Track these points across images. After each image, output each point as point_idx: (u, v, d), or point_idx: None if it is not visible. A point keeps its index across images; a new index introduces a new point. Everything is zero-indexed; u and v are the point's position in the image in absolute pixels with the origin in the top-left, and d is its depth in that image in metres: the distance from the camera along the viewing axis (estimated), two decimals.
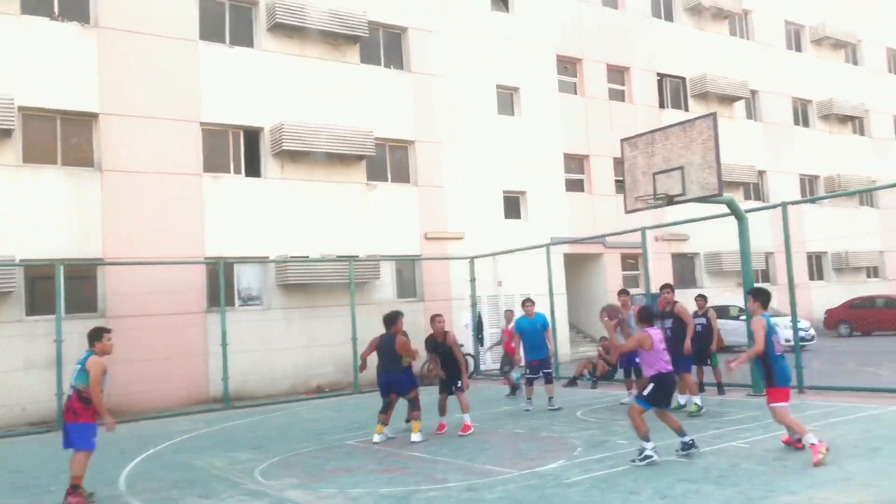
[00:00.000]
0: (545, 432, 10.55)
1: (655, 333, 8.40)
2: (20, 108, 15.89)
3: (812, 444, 7.56)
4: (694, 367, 13.03)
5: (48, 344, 14.51)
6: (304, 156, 19.05)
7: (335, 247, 19.41)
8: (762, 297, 8.56)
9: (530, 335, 13.10)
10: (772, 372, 8.17)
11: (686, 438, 8.27)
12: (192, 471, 9.17)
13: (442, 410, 11.07)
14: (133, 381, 15.86)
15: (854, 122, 33.80)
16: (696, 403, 11.23)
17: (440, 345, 11.03)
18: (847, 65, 34.29)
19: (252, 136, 19.00)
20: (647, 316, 8.64)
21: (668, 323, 12.01)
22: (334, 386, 18.58)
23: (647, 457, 7.94)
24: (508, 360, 15.70)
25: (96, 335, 7.96)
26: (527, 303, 13.52)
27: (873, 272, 32.88)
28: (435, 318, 11.22)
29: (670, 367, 8.36)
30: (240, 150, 18.83)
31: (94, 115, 16.80)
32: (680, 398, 11.53)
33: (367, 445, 10.32)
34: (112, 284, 16.26)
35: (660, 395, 8.23)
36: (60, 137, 16.62)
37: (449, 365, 11.00)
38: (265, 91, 19.00)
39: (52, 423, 14.19)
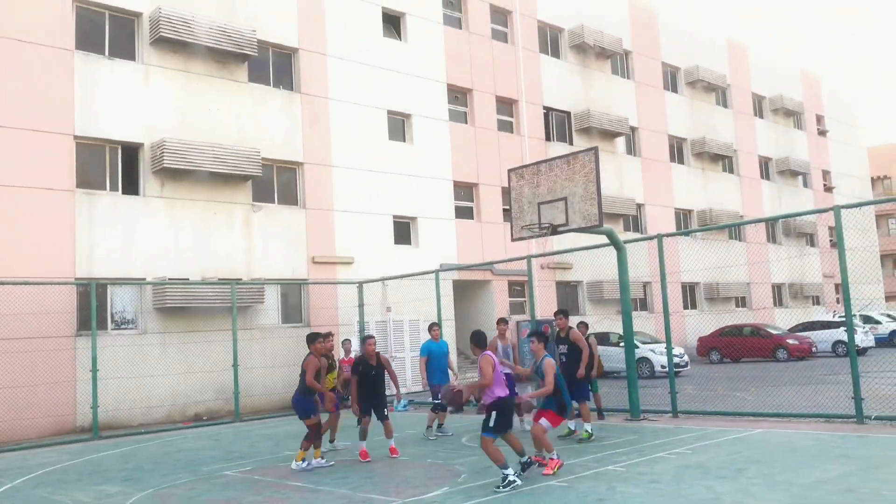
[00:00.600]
0: (430, 459, 10.50)
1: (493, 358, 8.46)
2: None
3: (552, 459, 8.77)
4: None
5: None
6: (187, 174, 18.39)
7: (217, 269, 18.77)
8: (544, 339, 9.23)
9: (438, 359, 13.10)
10: (563, 403, 9.12)
11: (524, 458, 8.62)
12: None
13: (363, 435, 10.76)
14: None
15: (724, 160, 36.04)
16: (587, 430, 11.33)
17: (372, 367, 10.78)
18: (718, 107, 36.61)
19: (131, 152, 18.17)
20: (480, 341, 8.76)
21: (563, 349, 12.09)
22: (213, 414, 17.86)
23: (510, 482, 8.02)
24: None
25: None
26: (433, 327, 13.56)
27: (741, 302, 34.97)
28: (367, 340, 11.09)
29: (507, 392, 8.39)
30: (117, 166, 17.97)
31: None
32: (570, 423, 11.68)
33: (246, 476, 9.93)
34: None
35: (504, 422, 8.29)
36: None
37: (377, 388, 10.78)
38: (146, 106, 18.27)
39: None
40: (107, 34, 18.20)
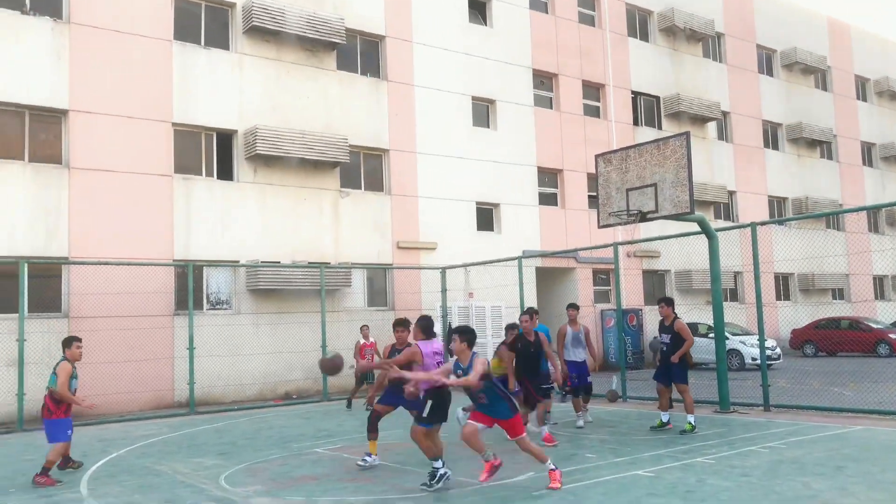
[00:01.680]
0: (514, 445, 10.49)
1: (426, 347, 8.26)
2: None
3: (487, 462, 7.64)
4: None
5: (11, 343, 14.19)
6: (278, 160, 18.91)
7: (306, 253, 19.26)
8: (469, 337, 7.76)
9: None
10: (509, 405, 7.77)
11: (438, 465, 7.77)
12: (155, 476, 8.97)
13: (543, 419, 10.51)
14: (95, 384, 15.51)
15: (822, 146, 34.45)
16: (690, 423, 10.92)
17: (531, 343, 10.72)
18: (816, 90, 34.97)
19: (225, 139, 18.82)
20: (425, 328, 8.52)
21: (666, 338, 11.68)
22: (302, 393, 18.39)
23: (441, 476, 7.68)
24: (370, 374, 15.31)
25: (67, 343, 9.18)
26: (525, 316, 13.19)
27: (838, 294, 33.45)
28: (521, 318, 11.20)
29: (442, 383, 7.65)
30: (212, 152, 18.64)
31: (64, 112, 16.52)
32: (663, 415, 11.37)
33: (336, 453, 10.20)
34: (77, 284, 15.94)
35: (439, 412, 7.90)
36: (28, 133, 16.31)
37: (535, 366, 10.66)
38: (239, 94, 18.85)
39: (11, 424, 13.87)
40: (202, 24, 18.85)
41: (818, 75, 35.13)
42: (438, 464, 7.77)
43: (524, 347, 10.72)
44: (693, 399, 13.45)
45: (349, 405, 15.80)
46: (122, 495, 8.02)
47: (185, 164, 18.16)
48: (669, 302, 11.73)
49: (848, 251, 33.02)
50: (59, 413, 8.86)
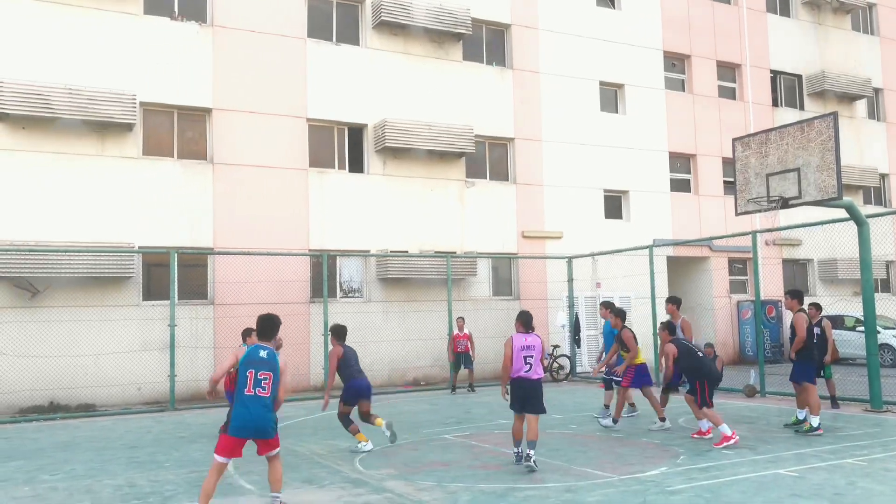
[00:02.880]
0: (646, 438, 10.27)
1: (518, 340, 8.42)
2: (141, 104, 16.75)
3: None
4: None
5: (163, 328, 15.27)
6: (406, 152, 19.28)
7: (433, 242, 19.56)
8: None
9: (605, 338, 13.00)
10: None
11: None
12: (295, 456, 9.41)
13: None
14: None
15: None
16: (810, 423, 10.32)
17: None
18: None
19: (356, 133, 19.38)
20: (524, 322, 8.60)
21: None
22: (430, 380, 18.73)
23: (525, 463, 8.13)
24: (466, 360, 16.97)
25: (248, 333, 10.29)
26: (602, 307, 13.16)
27: None
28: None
29: (527, 374, 8.30)
30: (344, 146, 19.25)
31: (208, 111, 17.53)
32: (800, 413, 10.86)
33: (464, 440, 10.32)
34: (221, 273, 16.93)
35: (513, 398, 8.44)
36: (177, 131, 17.43)
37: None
38: (369, 88, 19.34)
39: (164, 403, 14.95)
40: (334, 21, 19.46)
41: None
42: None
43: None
44: (838, 394, 12.72)
45: (453, 390, 16.98)
46: (264, 473, 8.44)
47: (320, 157, 18.85)
48: (794, 294, 11.03)
49: None
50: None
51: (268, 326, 6.58)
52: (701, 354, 10.27)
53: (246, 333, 10.45)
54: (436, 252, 19.20)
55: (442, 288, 18.50)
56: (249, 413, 6.23)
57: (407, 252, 19.05)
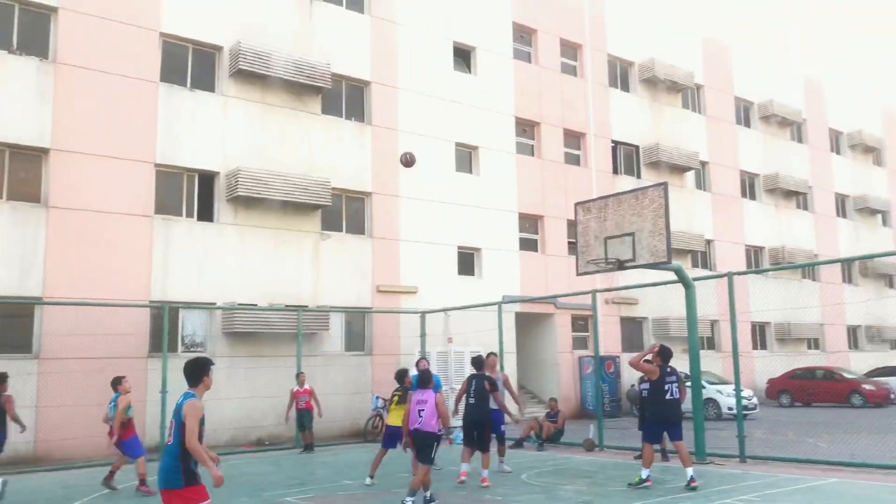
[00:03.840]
0: (489, 495, 10.41)
1: (414, 395, 9.64)
2: None
3: None
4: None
5: None
6: (259, 202, 18.93)
7: (285, 296, 19.17)
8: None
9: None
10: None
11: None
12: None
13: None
14: (64, 427, 15.26)
15: (798, 197, 35.04)
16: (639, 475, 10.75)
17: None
18: (792, 142, 35.70)
19: (207, 181, 18.83)
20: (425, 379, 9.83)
21: (646, 387, 11.81)
22: (275, 439, 18.10)
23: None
24: (306, 418, 16.29)
25: (117, 381, 11.12)
26: (422, 361, 13.47)
27: (814, 344, 33.69)
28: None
29: (419, 427, 9.37)
30: (193, 193, 18.63)
31: (45, 151, 16.49)
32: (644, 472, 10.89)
33: (306, 502, 10.01)
34: (50, 324, 15.72)
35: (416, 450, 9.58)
36: (8, 171, 16.24)
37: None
38: (223, 136, 18.93)
39: None
40: (189, 67, 19.00)
41: (794, 128, 35.90)
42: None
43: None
44: (668, 447, 13.49)
45: (304, 449, 16.35)
46: None
47: (166, 204, 18.12)
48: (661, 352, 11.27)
49: (823, 302, 33.37)
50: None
51: (191, 371, 6.14)
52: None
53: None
54: (287, 306, 18.81)
55: (292, 343, 18.10)
56: (161, 462, 5.95)
57: (256, 305, 18.54)
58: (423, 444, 9.33)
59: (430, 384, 9.72)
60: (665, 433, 11.21)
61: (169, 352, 16.00)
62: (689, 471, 10.41)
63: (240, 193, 18.33)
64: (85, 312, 15.58)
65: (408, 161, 10.00)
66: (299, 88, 20.14)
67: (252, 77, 19.35)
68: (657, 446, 11.79)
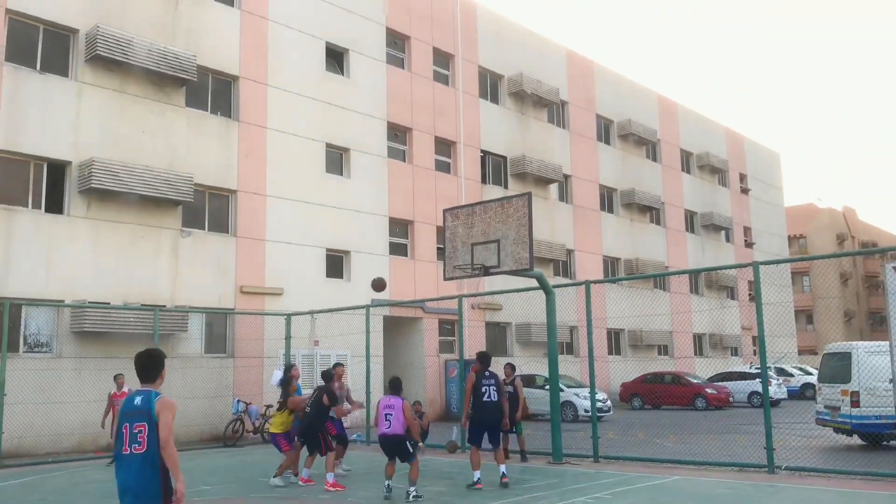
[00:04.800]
0: (351, 498, 10.34)
1: (382, 401, 10.10)
2: None
3: None
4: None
5: None
6: (115, 196, 17.92)
7: (141, 294, 18.25)
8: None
9: None
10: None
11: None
12: None
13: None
14: None
15: (652, 212, 37.23)
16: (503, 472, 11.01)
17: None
18: (648, 160, 37.90)
19: (57, 170, 17.63)
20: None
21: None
22: None
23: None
24: None
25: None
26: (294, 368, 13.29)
27: (664, 350, 35.87)
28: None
29: (387, 431, 9.88)
30: (41, 183, 17.39)
31: None
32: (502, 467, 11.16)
33: None
34: None
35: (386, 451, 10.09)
36: None
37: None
38: (77, 124, 17.81)
39: None
40: (40, 48, 17.74)
41: (649, 147, 38.13)
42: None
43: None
44: (527, 448, 13.96)
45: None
46: None
47: (8, 194, 16.81)
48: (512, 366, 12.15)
49: (672, 310, 35.62)
50: None
51: (147, 364, 5.24)
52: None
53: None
54: (142, 305, 17.91)
55: (147, 343, 17.18)
56: (123, 477, 4.94)
57: (109, 304, 17.53)
58: (397, 447, 9.91)
59: (400, 392, 10.11)
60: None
61: (9, 352, 14.84)
62: (502, 467, 10.99)
63: (94, 185, 17.29)
64: None
65: (379, 286, 10.45)
66: (162, 79, 19.27)
67: (111, 64, 18.32)
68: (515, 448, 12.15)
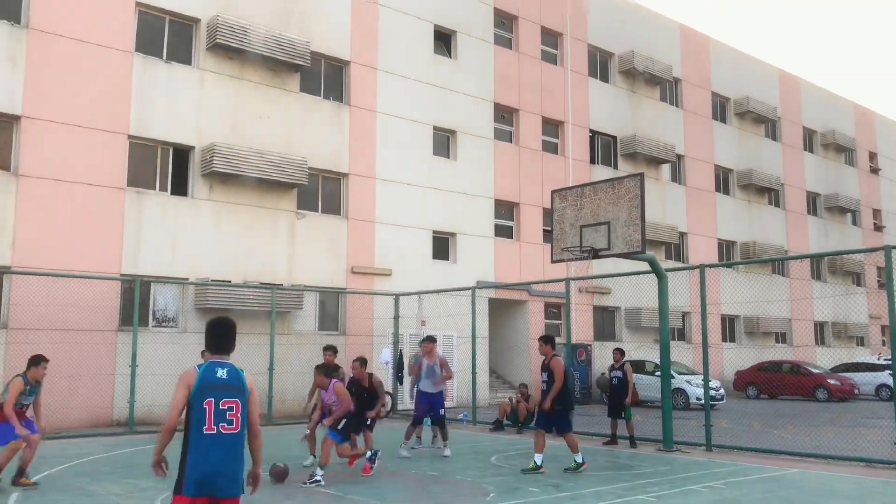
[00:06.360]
0: (459, 476, 10.47)
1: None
2: None
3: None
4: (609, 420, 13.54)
5: None
6: (235, 179, 18.74)
7: (259, 273, 19.05)
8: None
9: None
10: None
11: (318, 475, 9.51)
12: (88, 496, 8.68)
13: (354, 444, 10.87)
14: None
15: (771, 193, 35.51)
16: (575, 460, 10.73)
17: (365, 389, 10.93)
18: (767, 139, 36.13)
19: (182, 155, 18.59)
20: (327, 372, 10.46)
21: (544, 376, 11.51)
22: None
23: (315, 481, 9.39)
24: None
25: (35, 361, 9.12)
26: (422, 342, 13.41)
27: (781, 338, 34.27)
28: (353, 363, 11.21)
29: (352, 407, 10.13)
30: (167, 167, 18.39)
31: (17, 118, 16.15)
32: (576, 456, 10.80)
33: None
34: (18, 294, 15.46)
35: (348, 428, 10.12)
36: None
37: (365, 407, 10.90)
38: (199, 110, 18.69)
39: None
40: (166, 38, 18.70)
41: (768, 125, 36.32)
42: (320, 472, 9.59)
43: (358, 392, 10.83)
44: (636, 434, 13.71)
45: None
46: None
47: (139, 177, 17.86)
48: (547, 340, 11.09)
49: (791, 297, 33.94)
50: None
51: (227, 334, 4.78)
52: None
53: (33, 362, 9.03)
54: (261, 283, 18.69)
55: (265, 320, 18.00)
56: (209, 459, 4.39)
57: (230, 282, 18.40)
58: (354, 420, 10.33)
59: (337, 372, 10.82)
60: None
61: (140, 326, 15.85)
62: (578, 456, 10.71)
63: (215, 169, 18.12)
64: (55, 284, 15.35)
65: (280, 476, 9.66)
66: (277, 65, 19.92)
67: (230, 51, 19.10)
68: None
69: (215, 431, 4.39)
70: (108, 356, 16.42)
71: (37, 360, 9.19)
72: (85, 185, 16.71)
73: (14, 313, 15.45)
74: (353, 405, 10.29)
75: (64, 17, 16.82)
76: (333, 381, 10.22)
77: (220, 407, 4.42)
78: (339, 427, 9.98)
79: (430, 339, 12.87)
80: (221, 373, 4.54)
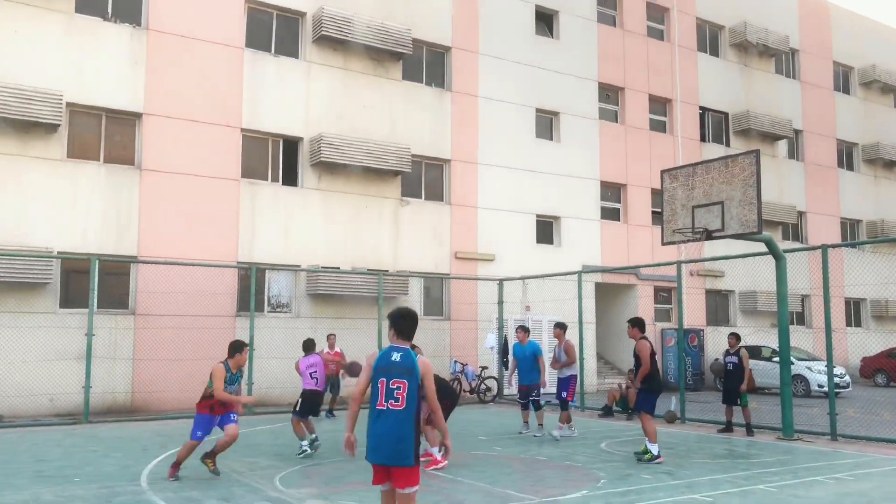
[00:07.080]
0: (568, 461, 10.37)
1: (303, 361, 11.38)
2: (68, 104, 16.22)
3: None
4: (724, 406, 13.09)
5: (80, 337, 14.70)
6: (341, 168, 19.17)
7: (366, 260, 19.46)
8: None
9: (521, 361, 13.19)
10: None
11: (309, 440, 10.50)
12: (211, 475, 9.12)
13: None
14: (158, 380, 16.00)
15: None
16: (651, 452, 10.21)
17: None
18: (895, 109, 33.71)
19: (291, 146, 19.18)
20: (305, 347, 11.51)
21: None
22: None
23: (303, 451, 10.37)
24: (333, 383, 15.98)
25: (238, 348, 9.19)
26: (518, 330, 13.38)
27: None
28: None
29: (315, 387, 11.05)
30: (278, 158, 19.02)
31: (139, 115, 17.08)
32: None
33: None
34: (145, 282, 16.43)
35: (306, 408, 10.86)
36: (104, 135, 16.92)
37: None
38: (306, 102, 19.20)
39: (78, 416, 14.35)
40: (273, 33, 19.28)
41: None
42: (304, 441, 10.60)
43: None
44: (753, 422, 13.16)
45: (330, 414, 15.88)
46: (180, 490, 8.19)
47: (252, 168, 18.56)
48: (636, 322, 10.85)
49: None
50: (199, 408, 8.92)
51: (409, 324, 5.27)
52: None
53: (236, 348, 9.11)
54: (368, 270, 19.09)
55: (372, 305, 18.38)
56: (377, 431, 4.98)
57: (339, 268, 18.88)
58: (317, 402, 11.17)
59: (313, 349, 11.75)
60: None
61: (256, 311, 16.50)
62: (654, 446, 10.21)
63: (323, 159, 18.60)
64: (177, 272, 16.20)
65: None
66: (380, 54, 20.19)
67: (334, 43, 19.50)
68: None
69: (385, 407, 4.98)
70: (226, 341, 17.08)
71: (239, 346, 8.92)
72: (202, 178, 17.51)
73: (141, 300, 16.42)
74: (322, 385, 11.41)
75: (179, 17, 17.63)
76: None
77: (391, 386, 5.00)
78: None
79: (559, 326, 13.21)
80: (396, 356, 5.09)
